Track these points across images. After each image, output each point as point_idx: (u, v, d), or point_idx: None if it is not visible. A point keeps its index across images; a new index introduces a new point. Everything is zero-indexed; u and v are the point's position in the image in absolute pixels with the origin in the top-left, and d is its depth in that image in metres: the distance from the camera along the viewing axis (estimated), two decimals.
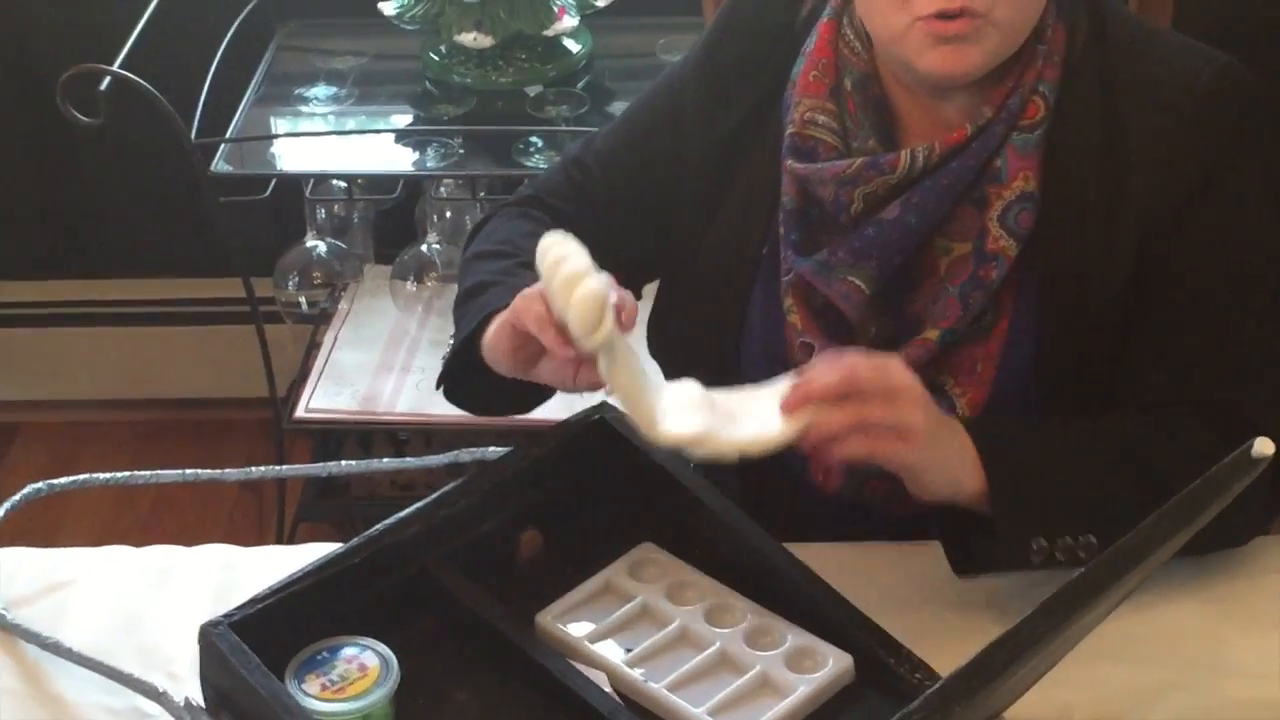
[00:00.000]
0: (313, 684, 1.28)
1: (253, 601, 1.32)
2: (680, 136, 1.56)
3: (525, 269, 1.51)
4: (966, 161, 1.44)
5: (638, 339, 1.65)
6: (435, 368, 2.54)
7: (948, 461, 1.34)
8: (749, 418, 1.30)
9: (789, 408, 1.30)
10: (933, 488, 1.34)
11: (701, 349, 1.57)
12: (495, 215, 1.65)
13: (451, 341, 1.52)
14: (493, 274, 1.52)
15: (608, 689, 1.31)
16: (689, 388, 1.33)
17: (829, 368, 1.30)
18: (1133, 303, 1.44)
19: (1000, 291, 1.46)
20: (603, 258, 1.60)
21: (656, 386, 1.33)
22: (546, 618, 1.37)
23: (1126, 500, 1.31)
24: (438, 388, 1.52)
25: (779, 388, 1.31)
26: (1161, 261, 1.43)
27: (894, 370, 1.31)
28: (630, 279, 1.65)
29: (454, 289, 2.50)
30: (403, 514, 1.38)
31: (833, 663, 1.32)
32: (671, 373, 1.65)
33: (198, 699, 1.32)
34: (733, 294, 1.55)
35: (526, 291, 1.35)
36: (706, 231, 1.56)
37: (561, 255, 1.30)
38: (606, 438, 1.45)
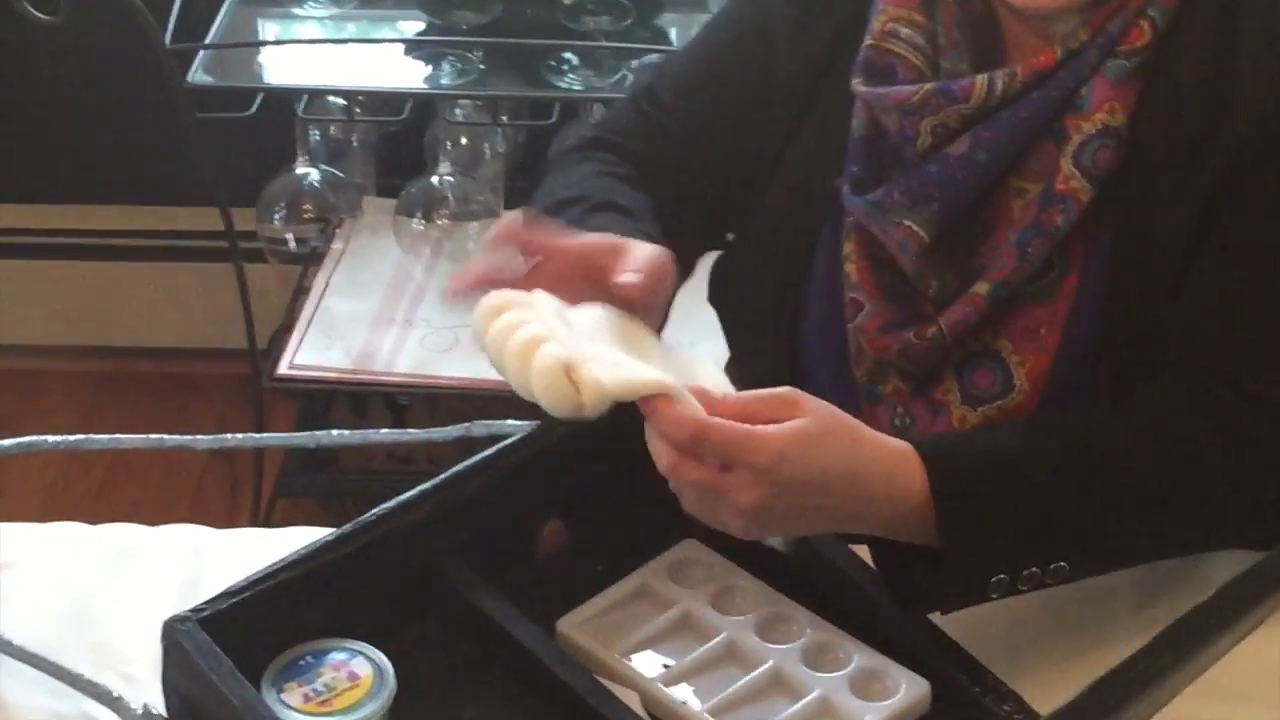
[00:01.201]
0: (294, 694, 1.28)
1: (226, 595, 1.31)
2: (770, 53, 1.56)
3: (601, 211, 1.50)
4: (1050, 92, 1.44)
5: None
6: (443, 321, 2.58)
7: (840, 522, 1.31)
8: None
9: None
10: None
11: (762, 296, 1.57)
12: (554, 167, 1.64)
13: None
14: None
15: (640, 711, 1.30)
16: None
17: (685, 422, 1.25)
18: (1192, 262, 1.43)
19: (1070, 242, 1.45)
20: (679, 205, 1.60)
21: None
22: (570, 625, 1.37)
23: (1104, 518, 1.32)
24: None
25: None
26: (1230, 218, 1.42)
27: (749, 452, 1.26)
28: (707, 229, 1.64)
29: (468, 228, 2.54)
30: (405, 497, 1.38)
31: (905, 689, 1.31)
32: (730, 322, 1.66)
33: (158, 707, 1.32)
34: (799, 232, 1.55)
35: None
36: (780, 161, 1.55)
37: (512, 322, 1.28)
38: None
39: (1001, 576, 1.33)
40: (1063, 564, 1.34)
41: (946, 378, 1.50)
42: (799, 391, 1.29)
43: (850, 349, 1.53)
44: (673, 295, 1.43)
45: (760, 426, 1.26)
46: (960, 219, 1.47)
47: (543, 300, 1.31)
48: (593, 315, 1.33)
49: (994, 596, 1.35)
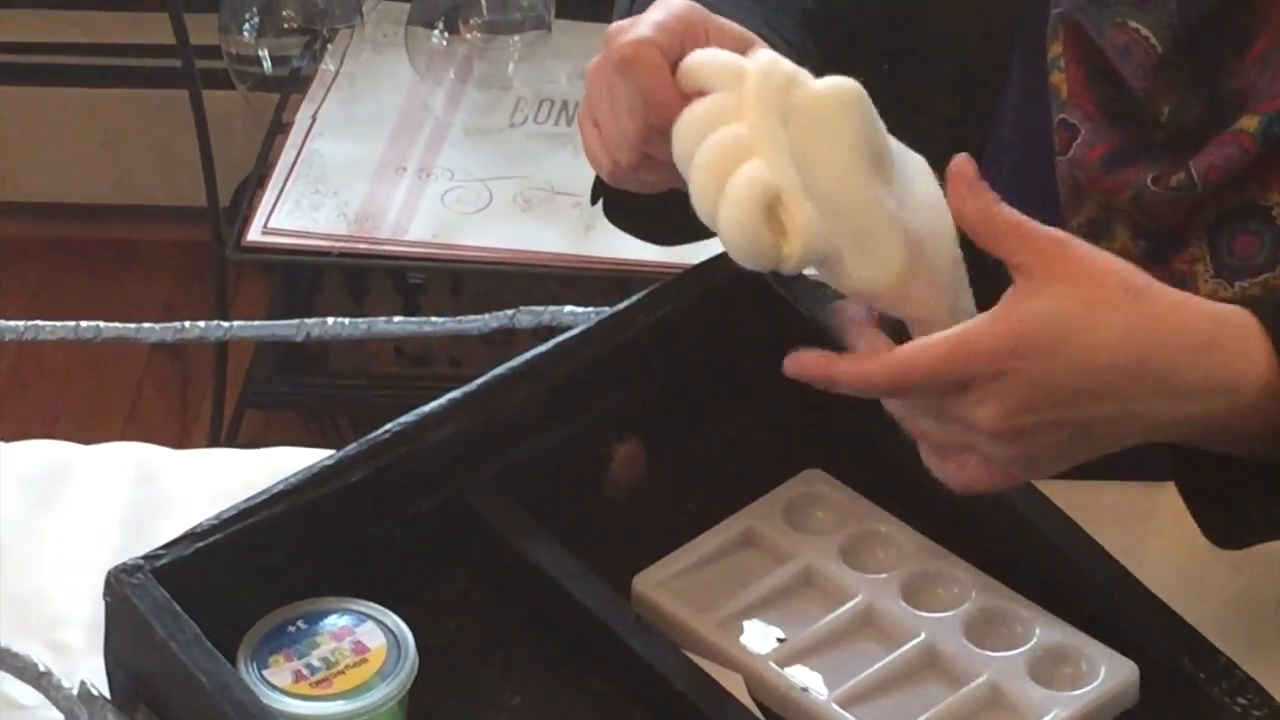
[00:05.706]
0: (281, 671, 1.30)
1: (189, 537, 1.33)
2: None
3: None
4: None
5: None
6: (472, 171, 2.57)
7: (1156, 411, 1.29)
8: None
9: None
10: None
11: (939, 119, 1.58)
12: None
13: None
14: None
15: (744, 698, 1.32)
16: None
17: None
18: None
19: None
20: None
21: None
22: (651, 583, 1.39)
23: None
24: (594, 199, 1.53)
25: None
26: None
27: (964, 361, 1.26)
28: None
29: (507, 43, 2.53)
30: (428, 409, 1.39)
31: (1106, 673, 1.32)
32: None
33: (99, 684, 1.34)
34: (991, 25, 1.56)
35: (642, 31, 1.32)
36: None
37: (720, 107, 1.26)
38: (757, 300, 1.45)
39: None
40: None
41: (1193, 240, 1.50)
42: (1071, 239, 1.28)
43: (1061, 192, 1.54)
44: None
45: (967, 325, 1.25)
46: (1208, 22, 1.46)
47: (763, 81, 1.26)
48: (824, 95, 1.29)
49: None
